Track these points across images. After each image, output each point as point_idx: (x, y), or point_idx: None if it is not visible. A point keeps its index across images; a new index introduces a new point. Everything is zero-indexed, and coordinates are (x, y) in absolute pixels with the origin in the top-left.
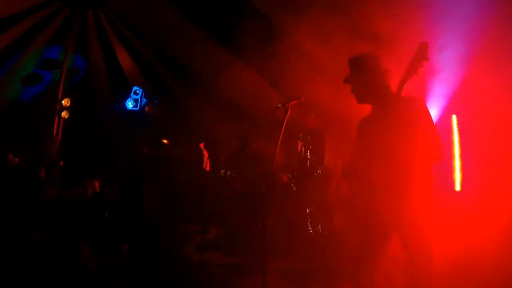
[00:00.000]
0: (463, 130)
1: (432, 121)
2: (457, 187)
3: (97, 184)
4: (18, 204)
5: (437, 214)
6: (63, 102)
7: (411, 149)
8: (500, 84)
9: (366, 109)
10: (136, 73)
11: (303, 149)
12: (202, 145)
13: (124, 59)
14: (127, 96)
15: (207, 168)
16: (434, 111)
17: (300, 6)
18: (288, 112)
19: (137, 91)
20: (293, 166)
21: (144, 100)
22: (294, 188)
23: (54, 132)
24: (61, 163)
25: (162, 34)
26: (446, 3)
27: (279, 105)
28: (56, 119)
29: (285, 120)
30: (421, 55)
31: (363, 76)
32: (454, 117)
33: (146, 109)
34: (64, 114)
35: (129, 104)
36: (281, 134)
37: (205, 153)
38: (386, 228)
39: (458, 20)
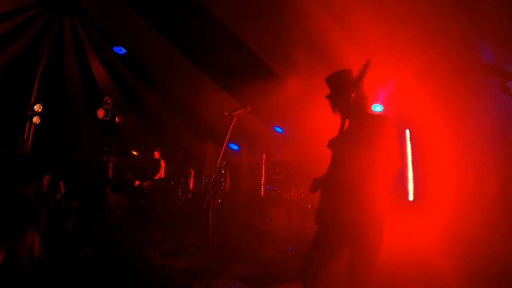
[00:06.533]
0: (415, 143)
1: (396, 138)
2: (411, 197)
3: (62, 185)
4: None
5: (389, 223)
6: (35, 107)
7: (372, 162)
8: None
9: None
10: (108, 83)
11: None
12: (157, 154)
13: (98, 68)
14: (99, 105)
15: (162, 176)
16: None
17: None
18: (234, 120)
19: (108, 101)
20: None
21: (114, 111)
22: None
23: (25, 137)
24: None
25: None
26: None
27: (226, 113)
28: (27, 124)
29: (231, 127)
30: (364, 71)
31: (339, 93)
32: (407, 132)
33: (116, 119)
34: (35, 119)
35: (100, 113)
36: (226, 139)
37: (162, 163)
38: (343, 237)
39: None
